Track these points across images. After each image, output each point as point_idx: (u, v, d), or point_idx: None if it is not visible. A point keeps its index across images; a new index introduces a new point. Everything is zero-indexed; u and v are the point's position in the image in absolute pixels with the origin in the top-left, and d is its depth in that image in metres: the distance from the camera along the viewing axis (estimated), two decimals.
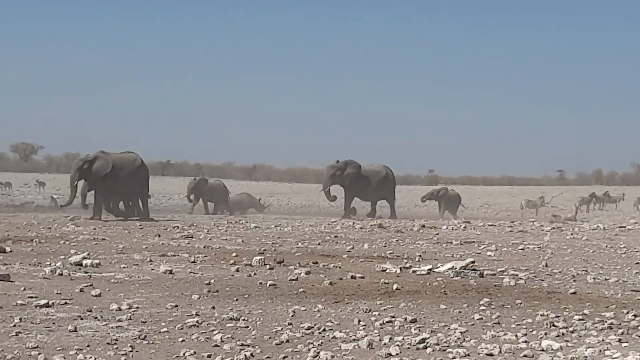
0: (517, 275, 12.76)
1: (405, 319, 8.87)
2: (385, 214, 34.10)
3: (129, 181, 27.40)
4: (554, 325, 8.69)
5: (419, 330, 8.33)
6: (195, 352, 7.27)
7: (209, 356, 7.19)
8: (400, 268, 13.29)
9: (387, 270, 13.08)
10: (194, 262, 13.82)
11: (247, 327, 8.42)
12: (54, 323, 8.36)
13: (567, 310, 9.70)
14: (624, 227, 26.09)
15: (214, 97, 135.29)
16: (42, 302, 9.27)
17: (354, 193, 33.79)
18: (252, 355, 7.23)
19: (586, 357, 7.31)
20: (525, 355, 7.36)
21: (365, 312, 9.37)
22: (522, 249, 17.56)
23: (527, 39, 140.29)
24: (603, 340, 7.97)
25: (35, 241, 16.82)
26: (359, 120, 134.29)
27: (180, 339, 7.80)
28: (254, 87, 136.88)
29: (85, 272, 12.11)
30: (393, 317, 8.99)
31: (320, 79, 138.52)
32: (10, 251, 14.64)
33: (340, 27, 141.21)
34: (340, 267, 13.55)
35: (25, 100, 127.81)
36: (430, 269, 13.03)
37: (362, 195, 34.15)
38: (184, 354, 7.22)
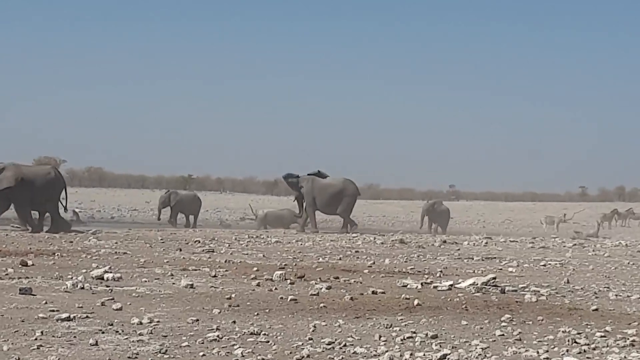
0: (538, 291, 12.71)
1: (426, 334, 8.84)
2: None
3: (40, 194, 27.48)
4: (575, 342, 8.65)
5: (440, 346, 8.31)
6: None
7: None
8: (422, 284, 13.26)
9: (408, 286, 13.05)
10: (215, 276, 13.84)
11: (268, 341, 8.42)
12: (75, 337, 8.39)
13: (589, 327, 9.65)
14: None
15: (235, 112, 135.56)
16: (64, 315, 9.31)
17: (313, 207, 33.81)
18: None
19: None
20: None
21: (386, 327, 9.35)
22: (544, 265, 17.48)
23: (553, 55, 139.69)
24: (625, 357, 7.93)
25: (57, 255, 16.89)
26: (378, 135, 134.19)
27: (201, 354, 7.80)
28: (274, 101, 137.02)
29: (107, 286, 12.14)
30: (414, 332, 8.97)
31: (339, 94, 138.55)
32: (33, 265, 14.70)
33: (361, 40, 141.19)
34: (361, 282, 13.53)
35: (46, 114, 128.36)
36: (451, 285, 12.99)
37: (319, 208, 34.03)
38: None
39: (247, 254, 18.85)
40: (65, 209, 29.16)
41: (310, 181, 33.66)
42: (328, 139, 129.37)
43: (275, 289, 12.44)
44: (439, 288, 12.83)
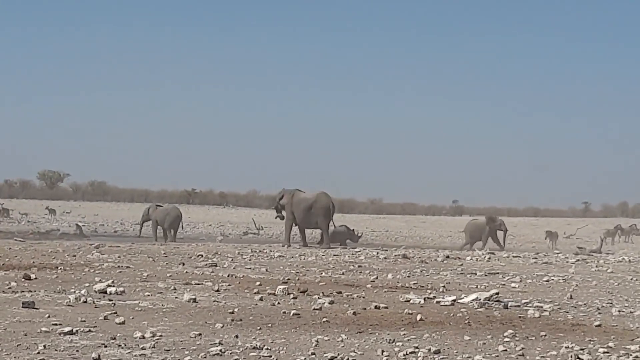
0: (541, 307, 12.71)
1: (429, 349, 8.84)
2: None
3: None
4: (578, 358, 8.64)
5: None
6: None
7: None
8: (424, 299, 13.25)
9: (411, 301, 13.04)
10: (217, 290, 13.84)
11: (271, 356, 8.42)
12: (77, 350, 8.40)
13: (592, 342, 9.64)
14: None
15: (238, 126, 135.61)
16: (66, 329, 9.32)
17: (291, 221, 34.05)
18: None
19: None
20: None
21: (389, 342, 9.35)
22: (547, 281, 17.47)
23: (555, 69, 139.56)
24: None
25: (60, 268, 16.90)
26: (381, 150, 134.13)
27: None
28: (278, 115, 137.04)
29: (110, 300, 12.15)
30: (417, 347, 8.96)
31: (342, 107, 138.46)
32: (35, 278, 14.72)
33: (364, 52, 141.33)
34: (364, 297, 13.53)
35: (52, 127, 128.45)
36: (454, 300, 12.99)
37: (298, 222, 34.25)
38: None
39: (250, 268, 18.85)
40: None
41: (290, 195, 34.10)
42: (331, 153, 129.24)
43: (278, 303, 12.44)
44: (442, 303, 12.83)
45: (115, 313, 10.73)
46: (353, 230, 38.11)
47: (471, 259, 24.26)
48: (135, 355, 8.23)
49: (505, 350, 9.07)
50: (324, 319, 10.88)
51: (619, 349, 9.20)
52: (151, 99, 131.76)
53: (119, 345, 8.69)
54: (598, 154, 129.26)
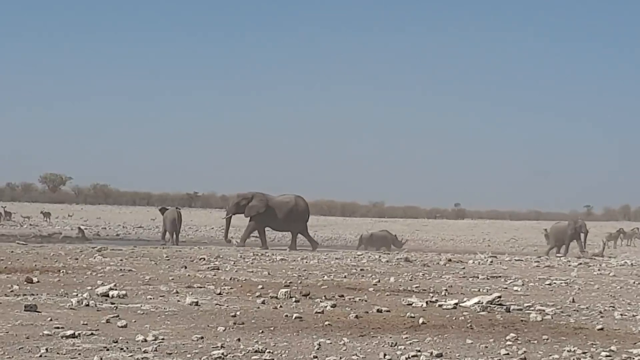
0: (543, 310, 12.70)
1: (431, 353, 8.83)
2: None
3: None
4: None
5: None
6: None
7: None
8: (427, 302, 13.24)
9: (413, 304, 13.03)
10: (219, 293, 13.84)
11: (273, 359, 8.42)
12: (80, 354, 8.39)
13: (594, 346, 9.63)
14: None
15: (240, 129, 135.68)
16: (69, 332, 9.32)
17: (260, 223, 33.95)
18: None
19: None
20: None
21: (391, 346, 9.35)
22: (549, 284, 17.47)
23: (559, 73, 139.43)
24: None
25: (63, 272, 16.90)
26: (383, 153, 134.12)
27: None
28: (279, 118, 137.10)
29: (112, 303, 12.15)
30: (419, 351, 8.96)
31: (345, 111, 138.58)
32: (38, 281, 14.71)
33: (368, 57, 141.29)
34: (366, 301, 13.52)
35: (54, 130, 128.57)
36: (456, 304, 12.98)
37: (270, 225, 34.23)
38: None
39: (252, 271, 18.85)
40: None
41: (264, 199, 34.01)
42: (333, 157, 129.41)
43: (280, 306, 12.43)
44: (444, 307, 12.81)
45: (118, 316, 10.72)
46: (395, 235, 38.02)
47: (473, 262, 24.26)
48: (138, 359, 8.23)
49: (508, 353, 9.06)
50: (326, 323, 10.87)
51: (622, 353, 9.19)
52: (153, 102, 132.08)
53: (121, 349, 8.69)
54: (600, 157, 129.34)
